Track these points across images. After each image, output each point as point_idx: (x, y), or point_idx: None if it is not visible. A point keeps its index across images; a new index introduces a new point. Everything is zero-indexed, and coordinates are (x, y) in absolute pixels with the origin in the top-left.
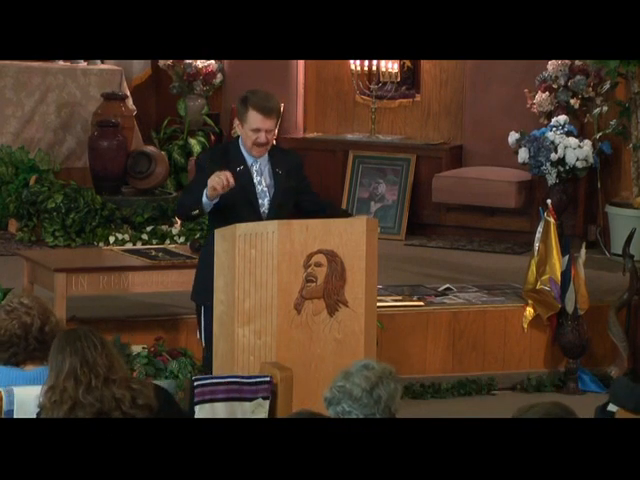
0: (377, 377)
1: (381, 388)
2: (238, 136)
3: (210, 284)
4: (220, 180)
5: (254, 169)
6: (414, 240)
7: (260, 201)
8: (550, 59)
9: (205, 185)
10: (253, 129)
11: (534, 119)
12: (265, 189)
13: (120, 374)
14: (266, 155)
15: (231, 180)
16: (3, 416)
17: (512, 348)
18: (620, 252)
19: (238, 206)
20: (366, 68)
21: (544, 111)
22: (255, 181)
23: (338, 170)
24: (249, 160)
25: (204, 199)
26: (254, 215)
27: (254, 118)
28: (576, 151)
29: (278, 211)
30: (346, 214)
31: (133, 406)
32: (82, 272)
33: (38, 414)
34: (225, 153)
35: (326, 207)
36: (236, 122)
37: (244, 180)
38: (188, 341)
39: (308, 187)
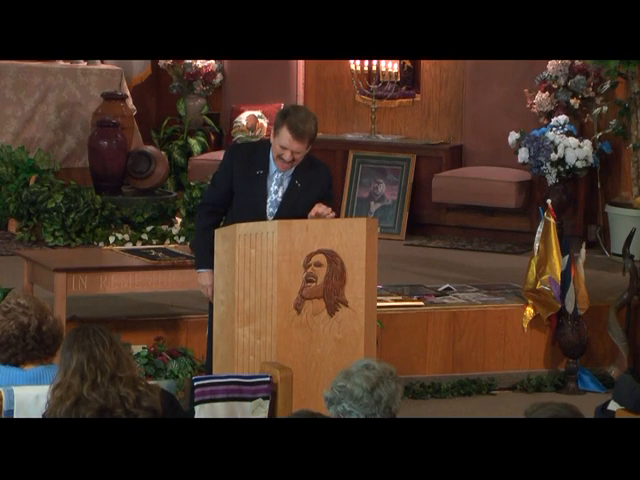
0: (378, 377)
1: (382, 388)
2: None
3: None
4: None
5: (275, 177)
6: (414, 240)
7: (271, 210)
8: (550, 59)
9: (224, 180)
10: (281, 145)
11: (534, 119)
12: (279, 200)
13: (128, 373)
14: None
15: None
16: (3, 416)
17: (512, 348)
18: (620, 252)
19: (245, 209)
20: (366, 68)
21: (544, 111)
22: (271, 189)
23: (338, 170)
24: (273, 167)
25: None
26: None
27: (284, 136)
28: (576, 151)
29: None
30: None
31: (137, 406)
32: (82, 272)
33: (44, 414)
34: (252, 153)
35: None
36: (272, 130)
37: (257, 186)
38: (188, 341)
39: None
